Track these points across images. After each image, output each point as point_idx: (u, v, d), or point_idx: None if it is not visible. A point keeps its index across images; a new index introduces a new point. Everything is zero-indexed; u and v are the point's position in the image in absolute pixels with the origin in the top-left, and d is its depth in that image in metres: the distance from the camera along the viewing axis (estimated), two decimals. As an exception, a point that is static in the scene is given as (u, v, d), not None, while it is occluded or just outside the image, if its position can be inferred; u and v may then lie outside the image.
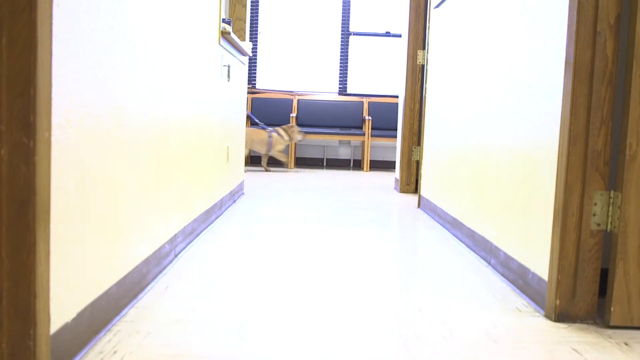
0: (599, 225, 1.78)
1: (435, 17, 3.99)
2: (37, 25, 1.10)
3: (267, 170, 6.98)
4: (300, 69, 8.09)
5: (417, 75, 5.14)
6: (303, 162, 8.02)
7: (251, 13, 7.93)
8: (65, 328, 1.33)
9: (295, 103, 7.92)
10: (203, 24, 2.82)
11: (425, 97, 4.33)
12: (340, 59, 8.07)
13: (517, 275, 2.17)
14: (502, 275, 2.33)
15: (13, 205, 1.12)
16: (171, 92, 2.23)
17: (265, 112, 7.90)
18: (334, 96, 8.02)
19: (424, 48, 5.11)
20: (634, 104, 1.69)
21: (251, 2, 7.91)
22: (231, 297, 1.93)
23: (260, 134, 6.76)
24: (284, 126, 6.93)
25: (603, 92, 1.73)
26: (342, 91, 8.08)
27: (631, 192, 1.72)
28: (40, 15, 1.11)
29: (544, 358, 1.52)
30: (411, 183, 5.25)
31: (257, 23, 7.93)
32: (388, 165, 8.17)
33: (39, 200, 1.14)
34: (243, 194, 4.63)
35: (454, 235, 3.19)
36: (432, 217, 3.79)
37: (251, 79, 8.03)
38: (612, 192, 1.77)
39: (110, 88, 1.58)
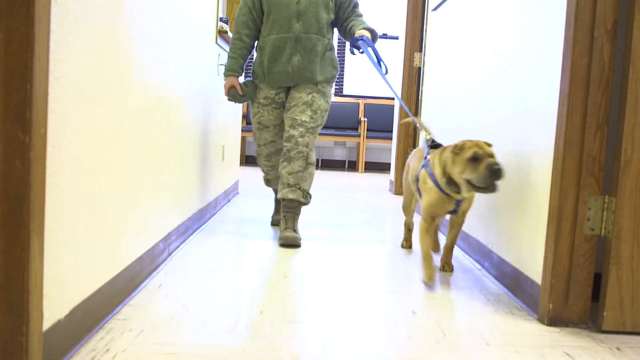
0: (593, 230, 1.78)
1: (433, 20, 4.00)
2: (35, 22, 1.10)
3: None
4: (297, 69, 8.08)
5: (413, 78, 5.15)
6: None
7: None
8: (57, 325, 1.32)
9: (291, 103, 7.91)
10: (200, 23, 2.82)
11: (421, 99, 4.34)
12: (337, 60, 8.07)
13: (510, 279, 2.18)
14: (496, 278, 2.34)
15: (7, 201, 1.12)
16: (167, 90, 2.23)
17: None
18: (330, 97, 8.02)
19: (420, 50, 5.12)
20: (629, 109, 1.70)
21: (249, 1, 7.89)
22: (224, 297, 1.92)
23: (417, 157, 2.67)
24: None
25: (599, 97, 1.74)
26: (338, 92, 8.09)
27: (625, 197, 1.73)
28: (38, 12, 1.11)
29: (537, 362, 1.53)
30: (406, 185, 5.25)
31: (254, 22, 7.91)
32: (383, 167, 8.17)
33: (33, 197, 1.13)
34: (238, 193, 4.62)
35: (448, 237, 3.19)
36: (427, 220, 3.79)
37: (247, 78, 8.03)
38: (606, 197, 1.77)
39: (106, 86, 1.58)
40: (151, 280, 2.06)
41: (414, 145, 5.16)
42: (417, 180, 2.41)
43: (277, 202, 3.32)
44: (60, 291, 1.33)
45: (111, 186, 1.65)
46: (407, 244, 2.92)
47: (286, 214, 2.84)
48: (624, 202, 1.73)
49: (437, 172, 2.23)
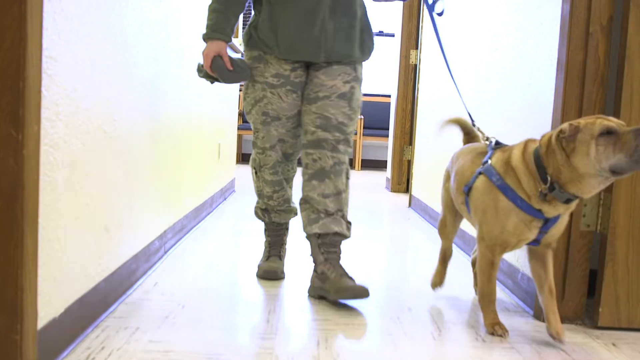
0: (588, 226, 1.79)
1: (429, 17, 3.99)
2: (27, 19, 1.09)
3: None
4: (293, 67, 8.06)
5: (409, 75, 5.15)
6: (295, 160, 8.02)
7: (245, 10, 7.91)
8: (52, 323, 1.32)
9: (287, 101, 7.89)
10: (198, 21, 2.81)
11: (417, 96, 4.34)
12: (333, 58, 8.04)
13: (506, 276, 2.18)
14: (492, 275, 2.34)
15: (1, 199, 1.11)
16: (162, 89, 2.22)
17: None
18: (326, 95, 8.01)
19: (417, 48, 5.11)
20: (624, 105, 1.70)
21: (245, -1, 7.86)
22: (220, 295, 1.92)
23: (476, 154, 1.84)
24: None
25: (594, 93, 1.74)
26: (335, 90, 8.07)
27: (621, 193, 1.73)
28: (30, 9, 1.10)
29: (532, 358, 1.53)
30: (402, 182, 5.26)
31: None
32: (379, 165, 8.18)
33: (27, 194, 1.13)
34: (234, 191, 4.62)
35: (444, 234, 3.19)
36: (423, 217, 3.79)
37: (244, 76, 7.98)
38: (602, 193, 1.77)
39: (101, 83, 1.57)
40: (147, 278, 2.06)
41: (411, 142, 5.14)
42: (466, 191, 1.74)
43: (275, 242, 2.21)
44: (55, 289, 1.33)
45: (105, 184, 1.64)
46: (439, 280, 2.03)
47: (329, 256, 1.92)
48: (620, 199, 1.73)
49: (526, 179, 1.56)
